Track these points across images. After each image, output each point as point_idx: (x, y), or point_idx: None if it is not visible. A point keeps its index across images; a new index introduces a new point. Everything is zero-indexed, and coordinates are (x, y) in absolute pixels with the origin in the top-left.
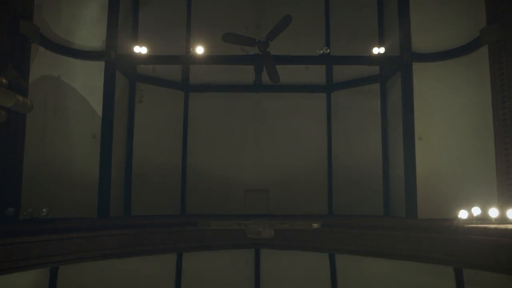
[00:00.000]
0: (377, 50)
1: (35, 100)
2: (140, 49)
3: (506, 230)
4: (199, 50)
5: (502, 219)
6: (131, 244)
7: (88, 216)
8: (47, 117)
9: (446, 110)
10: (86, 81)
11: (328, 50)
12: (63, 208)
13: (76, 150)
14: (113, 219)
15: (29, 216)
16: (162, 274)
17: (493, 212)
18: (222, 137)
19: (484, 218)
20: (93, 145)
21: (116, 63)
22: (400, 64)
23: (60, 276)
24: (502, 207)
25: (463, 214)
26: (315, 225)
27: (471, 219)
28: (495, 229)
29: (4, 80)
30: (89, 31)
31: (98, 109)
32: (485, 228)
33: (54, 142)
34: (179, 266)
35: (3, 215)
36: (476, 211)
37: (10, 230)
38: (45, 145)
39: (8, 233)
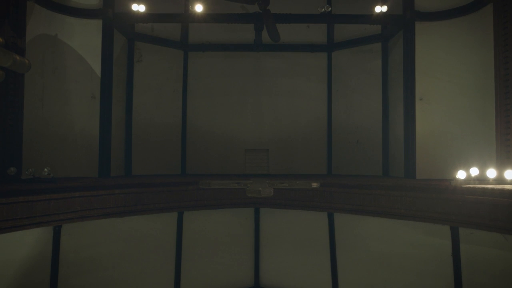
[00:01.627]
0: (379, 9)
1: (32, 59)
2: (138, 7)
3: (503, 190)
4: (198, 8)
5: (500, 180)
6: (132, 203)
7: (89, 176)
8: (46, 77)
9: (448, 70)
10: (84, 40)
11: (330, 9)
12: (64, 168)
13: (75, 110)
14: (114, 179)
15: (31, 176)
16: (164, 233)
17: (491, 173)
18: (222, 96)
19: (482, 178)
20: (92, 105)
21: (113, 22)
22: (403, 23)
23: (64, 234)
24: (500, 167)
25: (461, 175)
26: (314, 185)
27: (469, 179)
28: (493, 189)
29: (0, 39)
30: None
31: (97, 68)
32: (483, 189)
33: (53, 102)
34: (180, 225)
35: (5, 175)
36: (474, 171)
37: (13, 189)
38: (44, 105)
39: (11, 192)
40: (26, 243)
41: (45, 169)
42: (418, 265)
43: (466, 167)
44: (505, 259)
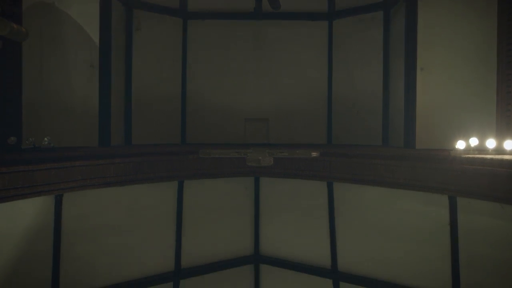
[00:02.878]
0: None
1: (30, 28)
2: None
3: (502, 160)
4: None
5: (499, 150)
6: (133, 172)
7: (90, 145)
8: (44, 46)
9: (451, 39)
10: (82, 8)
11: None
12: (64, 137)
13: (75, 80)
14: (115, 148)
15: (31, 145)
16: (164, 202)
17: (490, 143)
18: (221, 65)
19: (481, 149)
20: (91, 75)
21: None
22: None
23: (65, 203)
24: (500, 138)
25: (460, 145)
26: (314, 154)
27: (468, 149)
28: (492, 159)
29: None
30: None
31: (96, 37)
32: (482, 159)
33: (52, 72)
34: (180, 194)
35: (5, 145)
36: (474, 141)
37: (14, 158)
38: (43, 74)
39: (12, 161)
40: (28, 213)
41: (45, 139)
42: (415, 233)
43: (466, 138)
44: (501, 228)
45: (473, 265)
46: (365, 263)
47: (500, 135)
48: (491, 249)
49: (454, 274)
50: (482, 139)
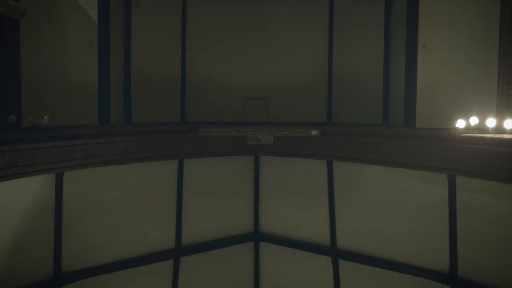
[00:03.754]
0: None
1: (27, 5)
2: None
3: (502, 139)
4: None
5: (499, 129)
6: (133, 151)
7: (89, 123)
8: (42, 23)
9: (453, 17)
10: None
11: None
12: (63, 116)
13: (74, 57)
14: (115, 127)
15: (31, 124)
16: (164, 180)
17: (491, 122)
18: (221, 44)
19: (481, 128)
20: (90, 52)
21: None
22: None
23: (66, 182)
24: (500, 117)
25: (460, 124)
26: (314, 132)
27: (468, 128)
28: (491, 138)
29: None
30: None
31: (94, 14)
32: (482, 138)
33: (51, 49)
34: (180, 172)
35: (5, 123)
36: (474, 120)
37: (14, 137)
38: (42, 52)
39: (12, 140)
40: (29, 191)
41: (45, 117)
42: (414, 212)
43: (466, 116)
44: (500, 206)
45: (471, 243)
46: (364, 241)
47: (501, 114)
48: (489, 227)
49: (452, 251)
50: (482, 118)
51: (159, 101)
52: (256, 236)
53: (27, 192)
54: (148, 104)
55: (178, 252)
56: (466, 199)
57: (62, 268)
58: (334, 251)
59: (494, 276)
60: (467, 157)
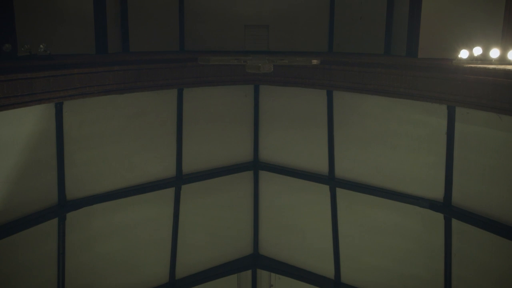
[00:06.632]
0: None
1: None
2: None
3: (506, 70)
4: None
5: (503, 60)
6: (132, 80)
7: (86, 52)
8: None
9: None
10: None
11: None
12: (59, 44)
13: None
14: (112, 55)
15: (27, 53)
16: (164, 110)
17: (494, 53)
18: None
19: (484, 58)
20: None
21: None
22: None
23: (66, 111)
24: (505, 48)
25: (463, 54)
26: (314, 62)
27: (472, 59)
28: (495, 69)
29: None
30: None
31: None
32: (485, 68)
33: None
34: (180, 102)
35: (1, 52)
36: (477, 51)
37: (11, 66)
38: None
39: (9, 69)
40: (29, 121)
41: (41, 46)
42: (412, 142)
43: (470, 47)
44: (498, 138)
45: (467, 173)
46: (362, 170)
47: (505, 45)
48: (486, 158)
49: (447, 181)
50: (486, 49)
51: (157, 30)
52: (255, 165)
53: (27, 122)
54: (146, 32)
55: (179, 180)
56: (465, 130)
57: (66, 196)
58: (332, 180)
59: (487, 204)
60: (468, 88)
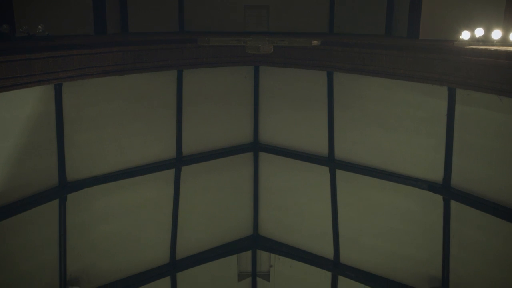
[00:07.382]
0: None
1: None
2: None
3: (507, 52)
4: None
5: (504, 41)
6: (131, 61)
7: (85, 33)
8: None
9: None
10: None
11: None
12: (58, 25)
13: None
14: (111, 36)
15: (26, 34)
16: (164, 91)
17: (496, 34)
18: None
19: (486, 40)
20: None
21: None
22: None
23: (65, 92)
24: (507, 29)
25: (465, 35)
26: (314, 42)
27: (473, 40)
28: (496, 50)
29: None
30: None
31: None
32: (486, 50)
33: None
34: (180, 83)
35: None
36: (479, 32)
37: (9, 47)
38: None
39: (8, 50)
40: (29, 102)
41: (39, 26)
42: (412, 124)
43: (471, 28)
44: (498, 119)
45: (466, 154)
46: (361, 152)
47: (507, 26)
48: (486, 139)
49: (447, 163)
50: (488, 30)
51: (156, 10)
52: (255, 146)
53: (27, 103)
54: (145, 12)
55: (179, 161)
56: (465, 112)
57: (67, 177)
58: (332, 161)
59: (486, 186)
60: (470, 69)
